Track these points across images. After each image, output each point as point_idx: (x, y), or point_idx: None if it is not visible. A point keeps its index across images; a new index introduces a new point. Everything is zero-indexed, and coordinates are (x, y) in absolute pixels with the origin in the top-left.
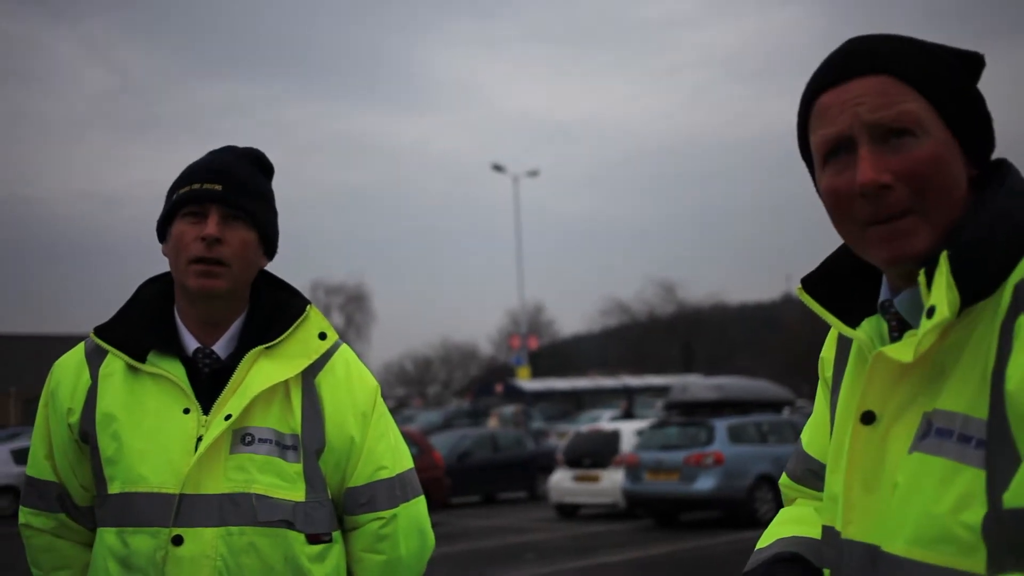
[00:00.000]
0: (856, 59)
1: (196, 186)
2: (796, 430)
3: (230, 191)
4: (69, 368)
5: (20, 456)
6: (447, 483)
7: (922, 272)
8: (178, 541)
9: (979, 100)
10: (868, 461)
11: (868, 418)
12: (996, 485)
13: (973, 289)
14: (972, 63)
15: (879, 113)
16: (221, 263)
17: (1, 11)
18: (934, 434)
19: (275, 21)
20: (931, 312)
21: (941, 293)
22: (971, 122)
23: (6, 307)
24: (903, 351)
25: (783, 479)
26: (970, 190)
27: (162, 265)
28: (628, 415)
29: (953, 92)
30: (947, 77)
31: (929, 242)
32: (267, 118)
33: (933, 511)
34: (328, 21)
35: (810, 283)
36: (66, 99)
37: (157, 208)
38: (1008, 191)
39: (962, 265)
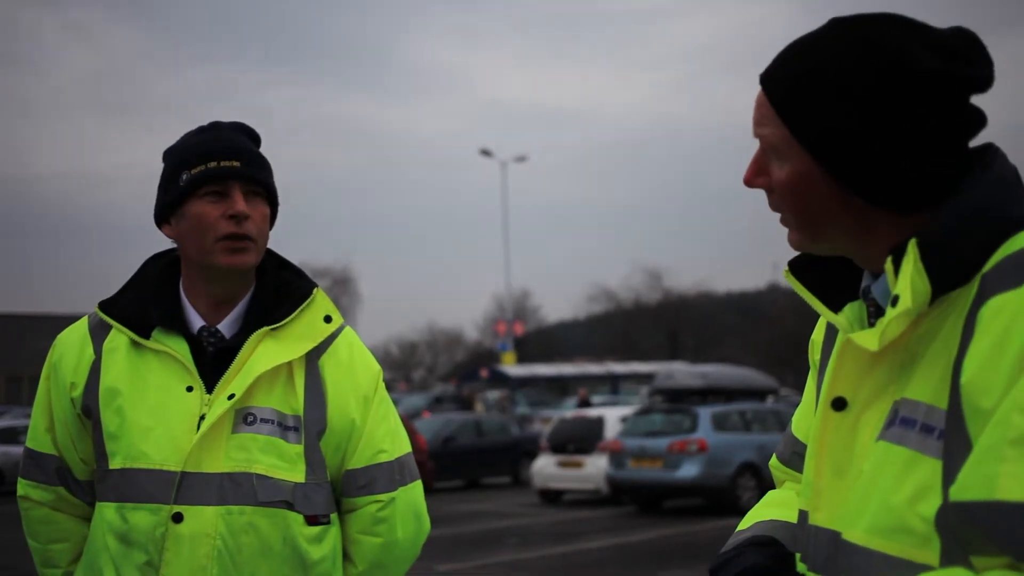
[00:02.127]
0: (766, 66)
1: (214, 164)
2: (780, 418)
3: (249, 167)
4: (72, 342)
5: (1, 435)
6: (431, 467)
7: (888, 259)
8: (178, 518)
9: (871, 128)
10: (838, 448)
11: (839, 404)
12: (949, 477)
13: (945, 277)
14: (918, 71)
15: (754, 128)
16: (248, 238)
17: None
18: (899, 423)
19: (260, 6)
20: (895, 300)
21: (906, 282)
22: (838, 156)
23: None
24: (870, 339)
25: (772, 460)
26: (885, 209)
27: (147, 245)
28: (585, 404)
29: (818, 124)
30: (816, 106)
31: (799, 243)
32: (252, 101)
33: (891, 501)
34: (312, 7)
35: (797, 266)
36: (50, 81)
37: (140, 189)
38: (989, 180)
39: (932, 252)
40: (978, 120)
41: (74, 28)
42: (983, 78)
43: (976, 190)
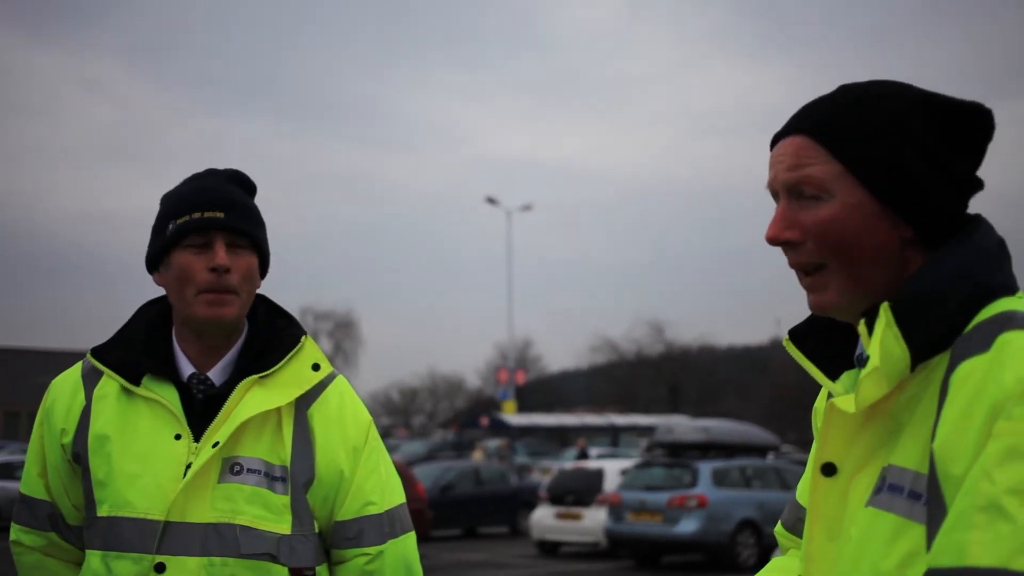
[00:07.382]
0: (792, 118)
1: (197, 215)
2: (781, 475)
3: (233, 218)
4: (65, 388)
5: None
6: (429, 515)
7: (862, 322)
8: (160, 568)
9: (918, 160)
10: (829, 513)
11: (829, 470)
12: (930, 543)
13: (923, 341)
14: (951, 118)
15: (788, 174)
16: (230, 291)
17: (16, 50)
18: (887, 489)
19: (271, 66)
20: (866, 361)
21: (876, 341)
22: (895, 185)
23: None
24: (848, 402)
25: (777, 528)
26: (917, 247)
27: (148, 284)
28: (582, 455)
29: (873, 156)
30: (869, 140)
31: (840, 295)
32: (261, 153)
33: (881, 567)
34: (320, 68)
35: (797, 334)
36: (71, 131)
37: (145, 232)
38: (971, 248)
39: (908, 317)
40: (979, 181)
41: (92, 83)
42: (993, 125)
43: (953, 256)
